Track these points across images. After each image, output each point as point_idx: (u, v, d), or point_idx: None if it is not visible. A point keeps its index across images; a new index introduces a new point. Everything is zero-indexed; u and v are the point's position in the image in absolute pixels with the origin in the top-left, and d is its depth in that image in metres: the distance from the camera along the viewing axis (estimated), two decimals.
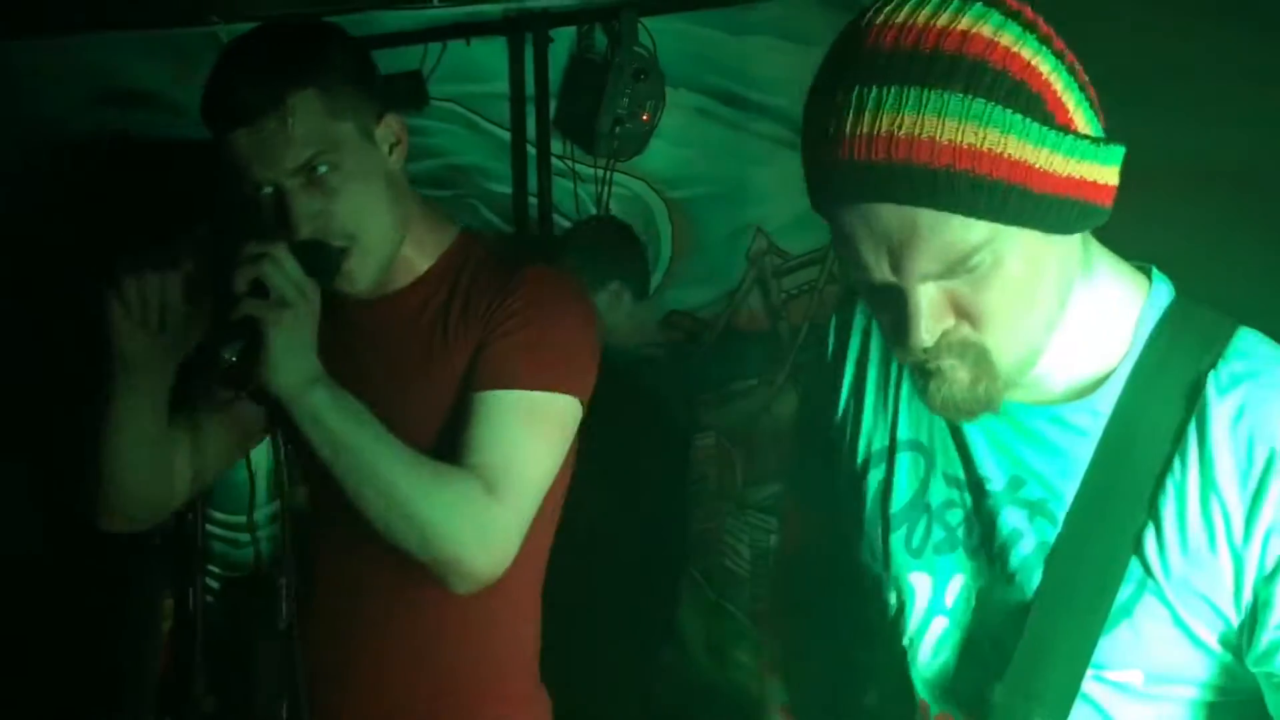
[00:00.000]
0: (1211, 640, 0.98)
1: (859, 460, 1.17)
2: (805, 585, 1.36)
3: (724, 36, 3.56)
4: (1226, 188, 2.95)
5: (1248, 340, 1.00)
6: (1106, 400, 1.01)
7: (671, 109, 3.50)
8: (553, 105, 3.63)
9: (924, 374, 0.97)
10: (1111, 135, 0.96)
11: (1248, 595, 0.94)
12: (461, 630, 1.56)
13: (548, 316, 1.47)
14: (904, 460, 1.14)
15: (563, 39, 3.65)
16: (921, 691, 1.12)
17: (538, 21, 3.64)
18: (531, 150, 3.66)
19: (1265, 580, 0.93)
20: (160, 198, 3.59)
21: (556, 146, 3.64)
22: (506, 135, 3.71)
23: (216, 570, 3.58)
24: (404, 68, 3.74)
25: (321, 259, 1.42)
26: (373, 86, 1.47)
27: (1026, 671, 0.99)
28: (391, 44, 3.77)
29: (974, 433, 1.07)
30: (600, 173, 3.58)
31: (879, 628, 1.17)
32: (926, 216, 0.88)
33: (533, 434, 1.42)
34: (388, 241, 1.48)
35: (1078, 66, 0.93)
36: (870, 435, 1.17)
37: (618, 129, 3.41)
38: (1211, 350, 0.99)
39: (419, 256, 1.55)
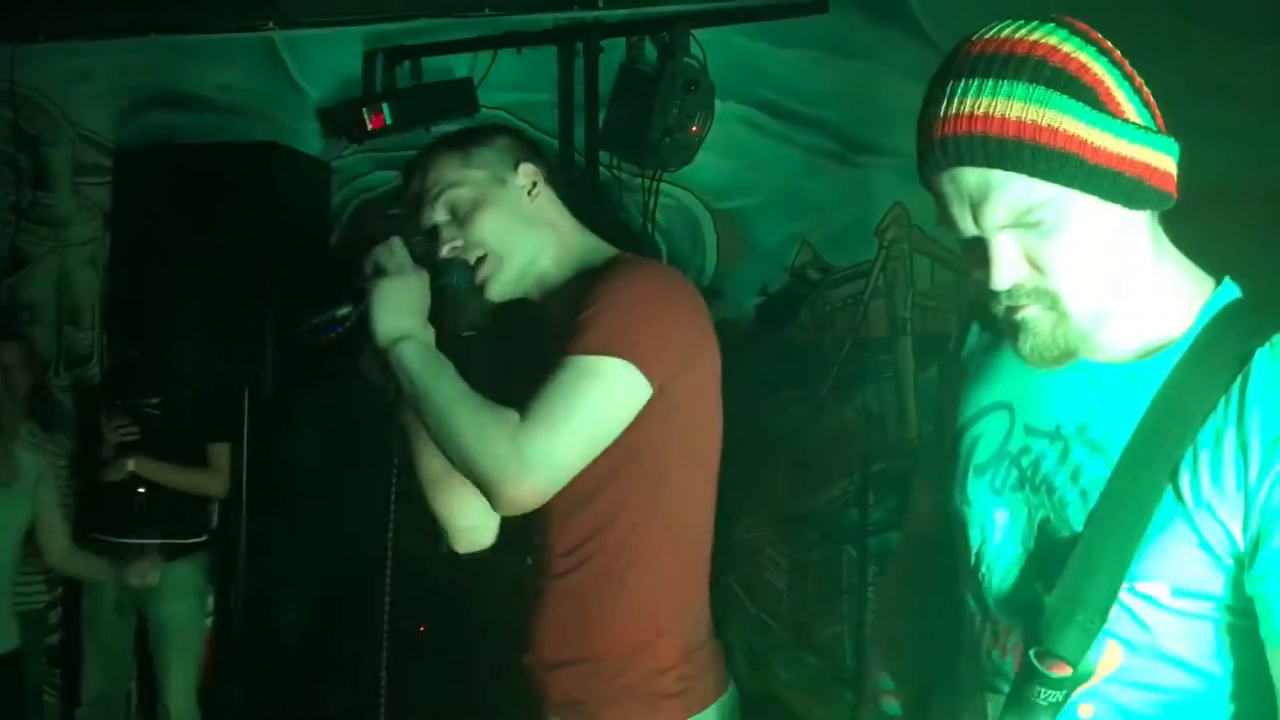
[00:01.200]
0: (1229, 562, 1.16)
1: (959, 426, 1.41)
2: (924, 564, 1.54)
3: (773, 49, 3.56)
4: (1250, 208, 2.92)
5: None
6: (1170, 360, 1.21)
7: (719, 120, 3.51)
8: (600, 114, 3.65)
9: (1014, 328, 1.22)
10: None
11: (1254, 526, 1.14)
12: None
13: (613, 293, 1.69)
14: (992, 418, 1.37)
15: (612, 50, 3.67)
16: (994, 611, 1.30)
17: (589, 31, 3.67)
18: (579, 159, 3.68)
19: (1267, 519, 1.13)
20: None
21: (604, 156, 3.66)
22: (555, 144, 3.74)
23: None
24: (455, 75, 3.78)
25: (459, 272, 1.78)
26: (514, 151, 1.86)
27: (1076, 580, 1.19)
28: (443, 52, 3.81)
29: (1054, 388, 1.29)
30: (647, 182, 3.60)
31: (965, 564, 1.36)
32: (998, 176, 1.13)
33: (574, 388, 1.63)
34: (520, 258, 1.81)
35: (1133, 74, 1.17)
36: (968, 403, 1.41)
37: (666, 139, 3.43)
38: (1265, 331, 1.18)
39: (561, 270, 1.85)
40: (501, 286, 1.83)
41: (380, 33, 3.92)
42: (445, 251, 1.81)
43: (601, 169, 3.66)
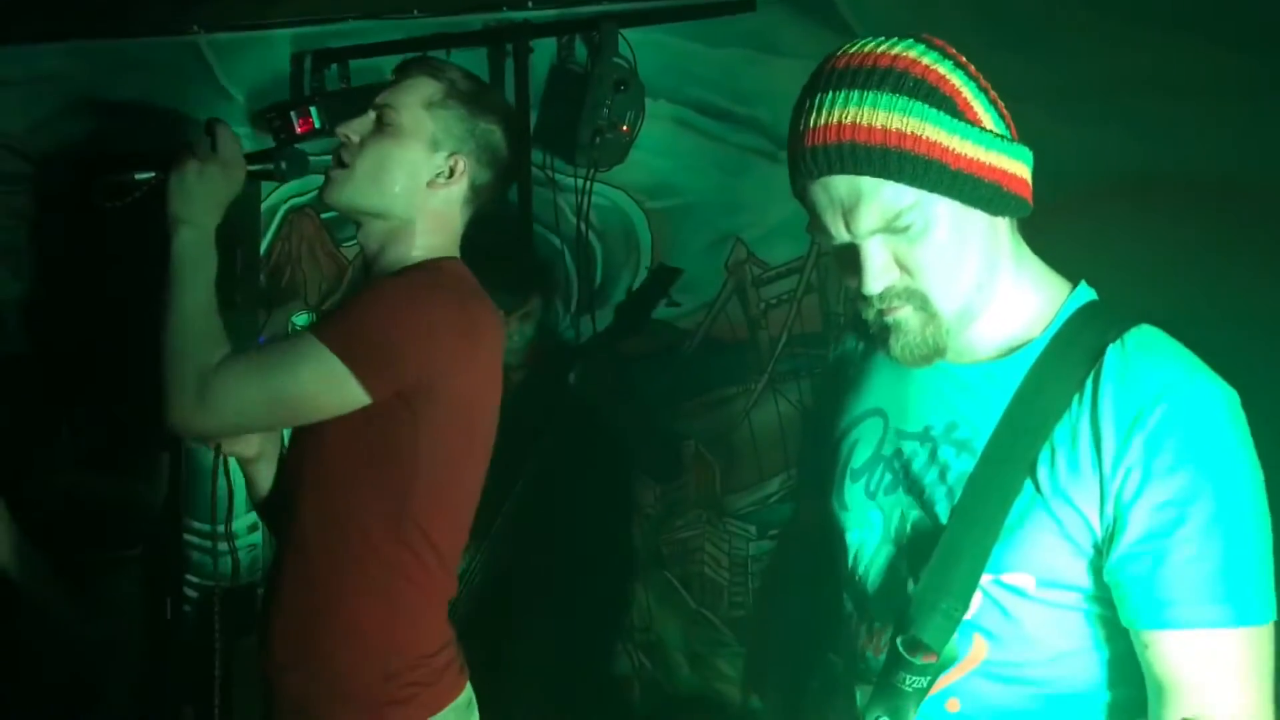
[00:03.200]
0: (1089, 550, 1.21)
1: (837, 433, 1.46)
2: (803, 560, 1.59)
3: (703, 49, 3.58)
4: (1170, 198, 2.99)
5: (1147, 330, 1.26)
6: (1028, 358, 1.27)
7: (651, 120, 3.52)
8: (532, 115, 3.64)
9: (886, 329, 1.27)
10: (1031, 142, 1.26)
11: (1109, 515, 1.19)
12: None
13: (376, 295, 1.73)
14: (866, 424, 1.42)
15: (543, 50, 3.66)
16: (870, 609, 1.35)
17: (518, 32, 3.66)
18: None
19: (1123, 507, 1.18)
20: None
21: (536, 156, 3.65)
22: None
23: (194, 580, 3.57)
24: (383, 78, 3.75)
25: (291, 162, 1.80)
26: (474, 143, 1.84)
27: (940, 570, 1.23)
28: (371, 54, 3.78)
29: (922, 391, 1.35)
30: (580, 182, 3.60)
31: (843, 567, 1.41)
32: (867, 183, 1.18)
33: (285, 359, 1.67)
34: (371, 202, 1.80)
35: (987, 87, 1.24)
36: (846, 411, 1.46)
37: (598, 139, 3.42)
38: (1117, 330, 1.25)
39: (396, 253, 1.85)
40: (337, 194, 1.82)
41: (308, 35, 3.88)
42: (340, 135, 1.84)
43: (534, 169, 3.66)
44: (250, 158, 1.76)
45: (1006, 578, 1.24)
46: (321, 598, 1.75)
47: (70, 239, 3.73)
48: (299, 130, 3.62)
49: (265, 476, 1.91)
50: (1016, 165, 1.23)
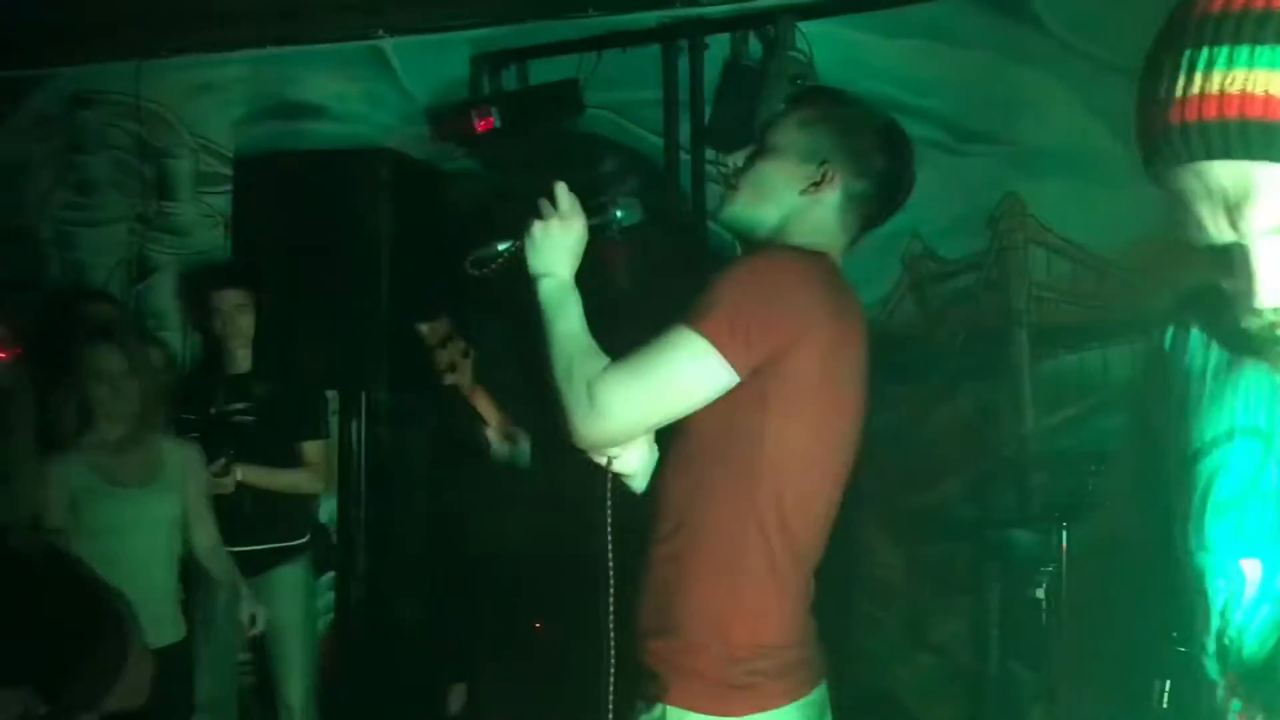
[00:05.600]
0: None
1: (1190, 450, 1.14)
2: (1117, 573, 1.38)
3: (879, 40, 3.51)
4: None
5: None
6: None
7: None
8: (706, 112, 3.64)
9: (1277, 341, 0.98)
10: None
11: None
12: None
13: (724, 277, 1.79)
14: (1239, 446, 1.10)
15: (717, 46, 3.66)
16: (1242, 681, 1.09)
17: (693, 28, 3.66)
18: (685, 155, 3.68)
19: None
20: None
21: (709, 153, 3.65)
22: (660, 141, 3.74)
23: None
24: (561, 76, 3.81)
25: (625, 210, 1.94)
26: (843, 152, 1.95)
27: None
28: (548, 54, 3.84)
29: None
30: None
31: (1195, 618, 1.14)
32: (1262, 171, 0.88)
33: (659, 353, 1.75)
34: (753, 214, 1.96)
35: None
36: (1204, 425, 1.13)
37: None
38: None
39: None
40: (728, 218, 2.01)
41: (487, 36, 3.97)
42: (727, 161, 2.13)
43: (707, 165, 3.65)
44: (588, 209, 1.91)
45: None
46: (676, 574, 1.83)
47: (267, 236, 3.88)
48: (479, 129, 3.71)
49: (638, 488, 2.00)
50: None
